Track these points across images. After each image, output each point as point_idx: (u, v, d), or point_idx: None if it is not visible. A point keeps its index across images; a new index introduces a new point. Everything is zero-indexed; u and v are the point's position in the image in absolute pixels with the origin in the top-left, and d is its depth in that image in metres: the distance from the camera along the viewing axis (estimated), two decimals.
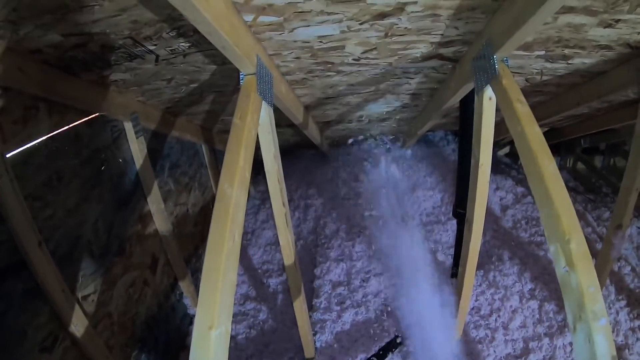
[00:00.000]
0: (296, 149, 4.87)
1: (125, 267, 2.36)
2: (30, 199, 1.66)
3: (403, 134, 4.22)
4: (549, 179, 1.23)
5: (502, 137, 4.07)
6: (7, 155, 1.53)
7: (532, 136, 1.33)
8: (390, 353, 2.57)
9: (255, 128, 1.55)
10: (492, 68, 1.58)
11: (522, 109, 1.42)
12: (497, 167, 4.40)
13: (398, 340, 2.62)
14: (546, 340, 2.50)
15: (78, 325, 1.82)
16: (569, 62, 2.11)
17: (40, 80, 1.71)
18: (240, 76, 1.62)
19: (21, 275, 1.59)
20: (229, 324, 1.07)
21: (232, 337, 2.97)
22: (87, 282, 2.00)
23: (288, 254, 2.21)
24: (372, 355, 2.56)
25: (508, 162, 4.45)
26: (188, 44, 1.71)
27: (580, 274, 1.07)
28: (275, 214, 2.10)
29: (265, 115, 1.73)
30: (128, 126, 2.40)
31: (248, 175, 1.39)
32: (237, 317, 3.16)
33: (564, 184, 1.22)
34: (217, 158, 3.97)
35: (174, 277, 2.94)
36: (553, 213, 1.17)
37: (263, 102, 1.67)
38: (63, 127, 1.89)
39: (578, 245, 1.11)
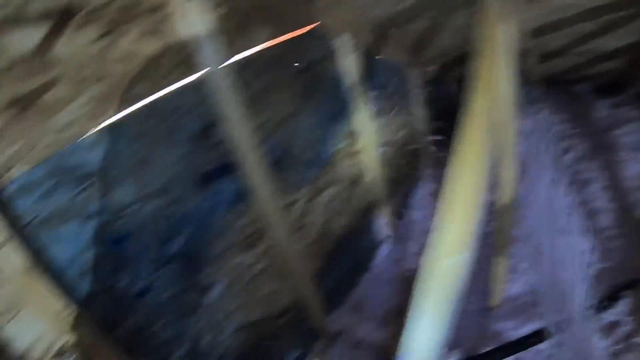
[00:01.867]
0: None
1: (330, 180, 2.41)
2: (247, 105, 1.74)
3: None
4: None
5: None
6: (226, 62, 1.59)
7: None
8: None
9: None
10: None
11: None
12: None
13: None
14: None
15: (279, 229, 1.91)
16: None
17: None
18: None
19: (232, 177, 1.69)
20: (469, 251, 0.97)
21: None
22: (293, 190, 2.10)
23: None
24: None
25: None
26: None
27: None
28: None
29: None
30: (341, 42, 2.33)
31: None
32: None
33: None
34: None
35: (374, 197, 2.92)
36: None
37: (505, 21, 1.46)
38: (278, 38, 1.91)
39: None
